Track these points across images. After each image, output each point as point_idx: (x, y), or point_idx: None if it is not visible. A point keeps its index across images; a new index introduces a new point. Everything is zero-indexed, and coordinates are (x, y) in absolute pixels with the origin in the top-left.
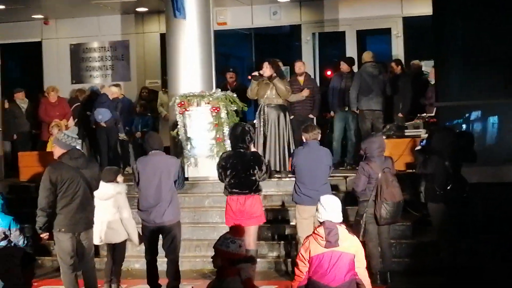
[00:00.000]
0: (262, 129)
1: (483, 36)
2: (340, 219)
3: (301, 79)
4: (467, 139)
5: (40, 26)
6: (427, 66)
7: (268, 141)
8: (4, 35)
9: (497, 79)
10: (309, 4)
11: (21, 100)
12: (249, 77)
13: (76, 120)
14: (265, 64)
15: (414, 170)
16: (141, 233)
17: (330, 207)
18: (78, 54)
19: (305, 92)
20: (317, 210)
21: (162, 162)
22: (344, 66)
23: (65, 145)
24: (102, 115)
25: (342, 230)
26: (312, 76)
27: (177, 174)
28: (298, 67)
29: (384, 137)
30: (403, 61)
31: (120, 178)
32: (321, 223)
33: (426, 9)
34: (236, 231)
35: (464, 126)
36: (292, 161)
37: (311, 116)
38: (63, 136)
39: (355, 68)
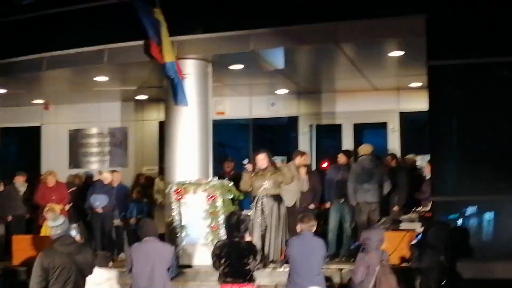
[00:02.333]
0: (259, 219)
1: (479, 132)
2: None
3: (303, 171)
4: (462, 234)
5: (40, 111)
6: (423, 161)
7: (267, 231)
8: (4, 119)
9: (493, 175)
10: (307, 97)
11: (20, 183)
12: (245, 165)
13: (71, 204)
14: (262, 156)
15: (409, 264)
16: None
17: None
18: (76, 140)
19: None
20: None
21: (155, 249)
22: (342, 159)
23: (57, 235)
24: (100, 202)
25: None
26: None
27: (170, 262)
28: (304, 158)
29: None
30: (399, 155)
31: (110, 263)
32: None
33: (422, 105)
34: None
35: (459, 221)
36: (286, 251)
37: (311, 207)
38: (51, 230)
39: (352, 161)
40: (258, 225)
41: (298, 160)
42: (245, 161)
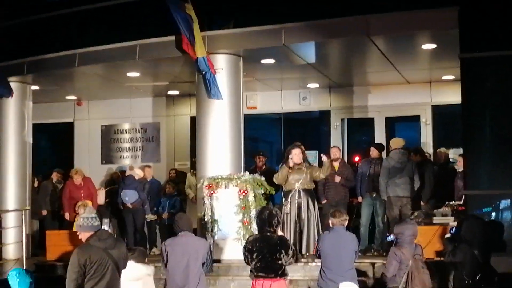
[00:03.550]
0: (296, 212)
1: None
2: None
3: (336, 164)
4: (496, 228)
5: (72, 107)
6: (456, 154)
7: (304, 225)
8: (38, 115)
9: None
10: (339, 90)
11: (57, 180)
12: (290, 160)
13: (107, 200)
14: (299, 151)
15: (442, 258)
16: None
17: None
18: (109, 135)
19: (337, 179)
20: None
21: (191, 244)
22: (374, 152)
23: (88, 228)
24: (129, 197)
25: None
26: None
27: (205, 257)
28: (334, 152)
29: None
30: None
31: (146, 259)
32: None
33: (455, 98)
34: None
35: (493, 214)
36: (318, 246)
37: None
38: (83, 221)
39: (384, 154)
40: (294, 218)
41: None
42: (290, 156)
